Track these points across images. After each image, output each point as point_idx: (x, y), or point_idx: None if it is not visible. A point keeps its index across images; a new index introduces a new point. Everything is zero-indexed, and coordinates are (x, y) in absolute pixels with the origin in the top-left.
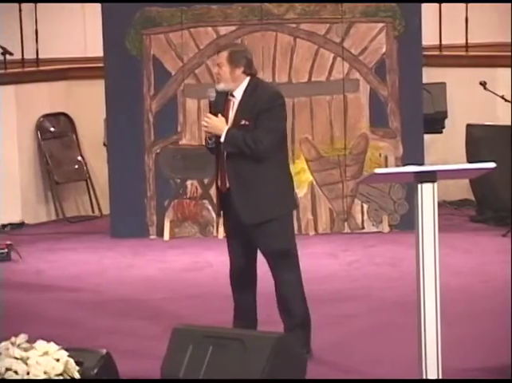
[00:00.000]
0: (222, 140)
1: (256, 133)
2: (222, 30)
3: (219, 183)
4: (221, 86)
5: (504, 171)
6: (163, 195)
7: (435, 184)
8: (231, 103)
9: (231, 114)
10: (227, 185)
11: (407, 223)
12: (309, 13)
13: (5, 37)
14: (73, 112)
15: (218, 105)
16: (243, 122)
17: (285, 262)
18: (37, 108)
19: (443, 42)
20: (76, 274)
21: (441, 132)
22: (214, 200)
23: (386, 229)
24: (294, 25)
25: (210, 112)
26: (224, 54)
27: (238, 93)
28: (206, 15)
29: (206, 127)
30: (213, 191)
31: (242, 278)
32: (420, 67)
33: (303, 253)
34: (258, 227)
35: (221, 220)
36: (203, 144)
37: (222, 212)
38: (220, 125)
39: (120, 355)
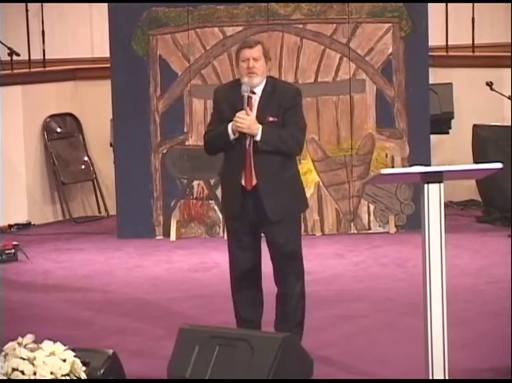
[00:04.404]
0: (258, 138)
1: (290, 130)
2: (229, 31)
3: (244, 181)
4: (257, 80)
5: (510, 171)
6: (169, 196)
7: (442, 185)
8: (252, 99)
9: (253, 110)
10: (254, 182)
11: (414, 223)
12: (315, 13)
13: (12, 37)
14: (80, 113)
15: (237, 102)
16: (271, 119)
17: (295, 262)
18: (43, 109)
19: (450, 43)
20: (83, 274)
21: (447, 133)
22: (221, 201)
23: (392, 229)
24: (301, 26)
25: (243, 109)
26: (260, 48)
27: (258, 90)
28: (212, 15)
29: (239, 126)
30: (219, 192)
31: (248, 283)
32: (427, 67)
33: (310, 253)
34: (279, 224)
35: None
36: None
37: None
38: (255, 125)
39: (127, 355)
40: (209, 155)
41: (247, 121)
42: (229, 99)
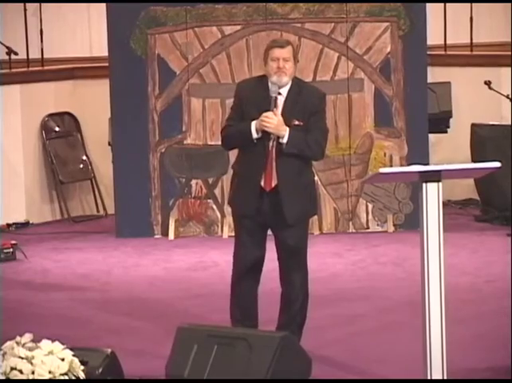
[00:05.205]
0: (284, 141)
1: (314, 135)
2: (227, 30)
3: (263, 182)
4: (285, 80)
5: (509, 170)
6: (167, 195)
7: (440, 184)
8: (277, 100)
9: (278, 111)
10: (274, 183)
11: (412, 222)
12: (313, 12)
13: (10, 36)
14: (78, 112)
15: (263, 101)
16: (296, 122)
17: (302, 263)
18: (41, 108)
19: (448, 42)
20: (81, 273)
21: (446, 132)
22: (219, 200)
23: (391, 228)
24: (299, 25)
25: (270, 110)
26: (290, 49)
27: (284, 91)
28: (210, 15)
29: (266, 126)
30: (218, 191)
31: (249, 278)
32: (425, 66)
33: (308, 252)
34: (292, 227)
35: (225, 220)
36: (208, 143)
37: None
38: (282, 126)
39: (125, 354)
40: (225, 149)
41: (275, 121)
42: (254, 98)
